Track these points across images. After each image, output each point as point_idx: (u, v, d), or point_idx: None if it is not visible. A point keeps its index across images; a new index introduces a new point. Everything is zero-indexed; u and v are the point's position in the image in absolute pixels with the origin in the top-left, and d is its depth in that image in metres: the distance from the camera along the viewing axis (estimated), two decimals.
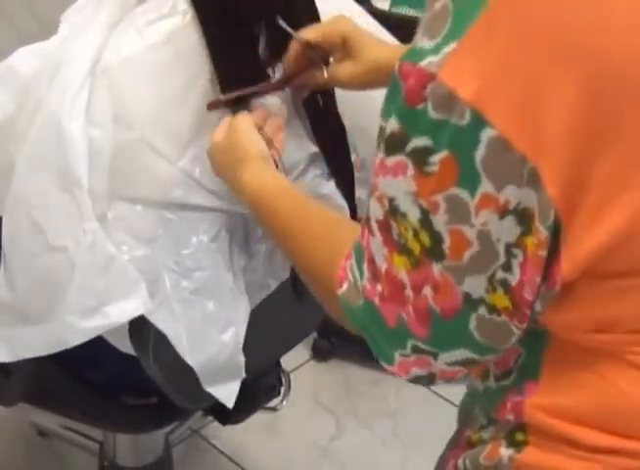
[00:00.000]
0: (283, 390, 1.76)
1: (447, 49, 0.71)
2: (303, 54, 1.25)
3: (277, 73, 1.29)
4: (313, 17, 1.30)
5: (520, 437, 0.88)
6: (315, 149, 1.36)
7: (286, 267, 1.38)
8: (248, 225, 1.32)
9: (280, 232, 1.06)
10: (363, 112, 1.39)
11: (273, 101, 1.27)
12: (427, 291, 0.80)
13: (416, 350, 0.83)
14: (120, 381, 1.64)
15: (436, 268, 0.78)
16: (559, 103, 0.70)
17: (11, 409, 1.65)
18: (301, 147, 1.35)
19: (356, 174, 1.40)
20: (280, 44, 1.27)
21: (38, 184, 1.21)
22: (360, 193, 1.40)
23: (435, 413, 2.35)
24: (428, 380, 0.86)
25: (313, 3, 1.30)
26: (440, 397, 2.35)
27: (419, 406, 2.38)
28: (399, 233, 0.80)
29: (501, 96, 0.70)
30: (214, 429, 2.26)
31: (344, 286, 0.88)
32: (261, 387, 1.69)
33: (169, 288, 1.24)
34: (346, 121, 1.37)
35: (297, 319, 1.62)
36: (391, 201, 0.79)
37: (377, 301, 0.84)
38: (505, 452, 0.89)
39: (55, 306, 1.21)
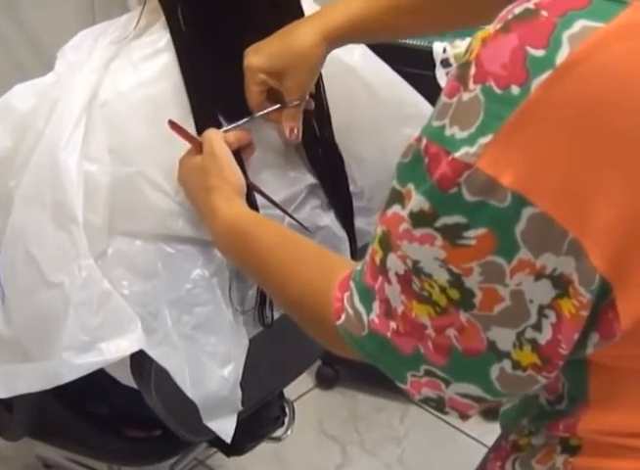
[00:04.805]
0: (287, 419, 1.75)
1: (484, 140, 0.72)
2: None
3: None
4: None
5: (574, 442, 0.88)
6: (313, 180, 1.36)
7: None
8: None
9: (264, 263, 1.05)
10: (359, 140, 1.40)
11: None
12: (450, 332, 0.80)
13: (429, 373, 0.83)
14: (123, 414, 1.64)
15: (463, 316, 0.78)
16: (604, 184, 0.70)
17: (16, 442, 1.64)
18: (300, 178, 1.35)
19: (355, 204, 1.40)
20: None
21: (34, 220, 1.21)
22: (359, 222, 1.40)
23: (441, 439, 2.34)
24: (437, 404, 0.85)
25: None
26: (446, 422, 2.35)
27: (424, 433, 2.37)
28: (422, 288, 0.79)
29: (543, 179, 0.71)
30: (220, 459, 2.25)
31: (342, 317, 0.88)
32: (265, 417, 1.68)
33: (170, 323, 1.24)
34: (343, 151, 1.37)
35: (299, 349, 1.61)
36: (415, 263, 0.79)
37: (389, 334, 0.84)
38: (559, 457, 0.89)
39: (50, 342, 1.21)
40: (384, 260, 0.83)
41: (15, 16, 2.34)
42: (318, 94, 1.31)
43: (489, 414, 2.28)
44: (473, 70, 0.73)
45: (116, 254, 1.23)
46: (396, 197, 0.81)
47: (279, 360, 1.54)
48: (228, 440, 1.34)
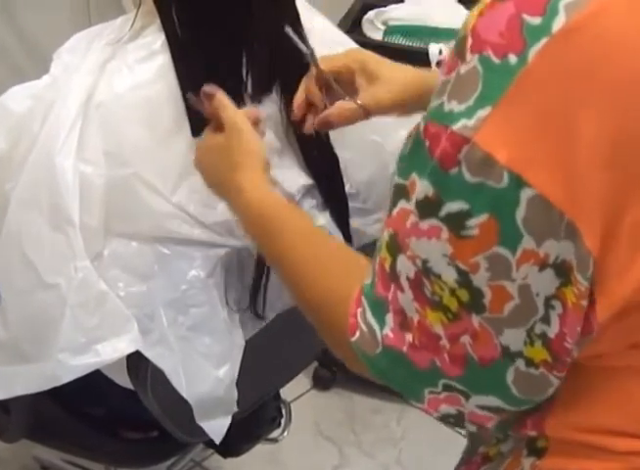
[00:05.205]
0: (284, 421, 1.76)
1: (482, 112, 0.71)
2: (319, 90, 1.21)
3: (261, 107, 1.29)
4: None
5: (541, 444, 0.87)
6: (309, 180, 1.36)
7: (281, 299, 1.38)
8: (242, 258, 1.32)
9: (286, 260, 1.00)
10: (355, 141, 1.40)
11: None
12: (465, 339, 0.78)
13: (448, 387, 0.82)
14: (120, 415, 1.64)
15: (476, 320, 0.77)
16: (597, 154, 0.69)
17: (13, 444, 1.65)
18: (296, 178, 1.35)
19: (350, 204, 1.40)
20: (265, 79, 1.28)
21: (30, 221, 1.22)
22: (355, 223, 1.41)
23: (438, 441, 2.34)
24: (456, 420, 0.84)
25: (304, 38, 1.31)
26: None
27: (422, 434, 2.38)
28: (433, 291, 0.78)
29: (537, 156, 0.70)
30: (217, 461, 2.25)
31: (357, 334, 0.85)
32: (261, 419, 1.69)
33: (166, 324, 1.24)
34: (338, 151, 1.37)
35: (296, 350, 1.61)
36: (425, 262, 0.77)
37: (405, 349, 0.82)
38: (526, 460, 0.88)
39: (47, 344, 1.22)
40: (393, 266, 0.81)
41: (11, 20, 2.35)
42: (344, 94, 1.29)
43: None
44: (469, 41, 0.72)
45: (113, 255, 1.23)
46: (401, 192, 0.80)
47: (275, 361, 1.55)
48: (218, 440, 1.35)
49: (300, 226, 1.04)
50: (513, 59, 0.69)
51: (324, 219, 1.37)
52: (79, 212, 1.20)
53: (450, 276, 0.76)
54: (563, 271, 0.73)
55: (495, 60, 0.70)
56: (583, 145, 0.69)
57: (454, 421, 0.85)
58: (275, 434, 1.76)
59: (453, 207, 0.74)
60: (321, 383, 2.54)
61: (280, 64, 1.29)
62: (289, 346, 1.54)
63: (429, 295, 0.79)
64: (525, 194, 0.71)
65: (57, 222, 1.20)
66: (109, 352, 1.21)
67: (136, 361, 1.26)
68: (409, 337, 0.81)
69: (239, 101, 1.24)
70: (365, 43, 1.45)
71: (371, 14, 2.27)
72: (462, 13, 2.25)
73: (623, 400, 0.83)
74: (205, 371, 1.28)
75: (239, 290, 1.32)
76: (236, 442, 1.43)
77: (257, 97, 1.28)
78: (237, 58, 1.23)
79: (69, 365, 1.21)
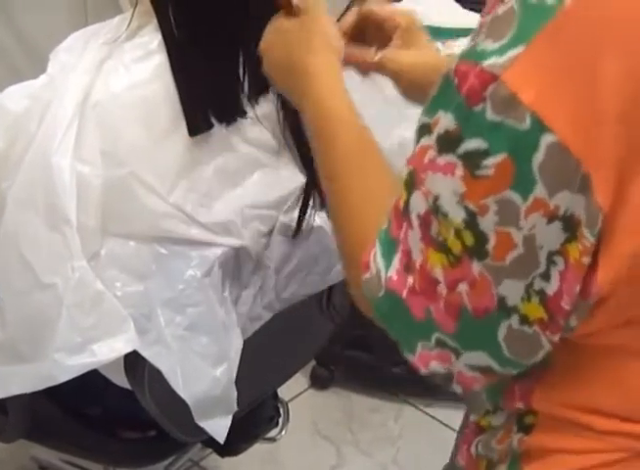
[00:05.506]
0: (281, 420, 1.76)
1: (514, 51, 0.71)
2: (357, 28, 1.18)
3: (257, 108, 1.29)
4: None
5: (529, 420, 0.88)
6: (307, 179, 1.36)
7: (279, 299, 1.39)
8: (239, 257, 1.32)
9: (337, 177, 0.97)
10: None
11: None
12: (462, 287, 0.78)
13: (440, 343, 0.82)
14: (118, 415, 1.64)
15: (476, 267, 0.77)
16: (606, 95, 0.69)
17: (11, 444, 1.65)
18: (292, 178, 1.35)
19: None
20: (262, 79, 1.27)
21: (27, 221, 1.22)
22: None
23: (436, 439, 2.34)
24: (444, 379, 0.84)
25: None
26: (440, 422, 2.35)
27: (419, 433, 2.38)
28: (438, 231, 0.78)
29: (562, 100, 0.70)
30: (214, 460, 2.25)
31: (368, 274, 0.86)
32: (259, 418, 1.69)
33: (163, 324, 1.24)
34: None
35: (293, 349, 1.62)
36: (436, 199, 0.78)
37: (405, 293, 0.82)
38: (515, 436, 0.89)
39: (43, 344, 1.22)
40: (407, 202, 0.81)
41: (9, 20, 2.35)
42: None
43: None
44: None
45: (110, 255, 1.24)
46: (424, 130, 0.80)
47: (273, 360, 1.55)
48: (221, 440, 1.35)
49: (356, 141, 0.99)
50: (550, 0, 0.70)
51: (321, 219, 1.37)
52: (76, 212, 1.20)
53: (458, 216, 0.76)
54: (570, 226, 0.73)
55: (533, 0, 0.71)
56: (604, 95, 0.69)
57: (441, 380, 0.85)
58: (273, 433, 1.77)
59: (472, 144, 0.74)
60: (319, 382, 2.54)
61: None
62: (287, 345, 1.54)
63: (434, 235, 0.79)
64: (546, 139, 0.71)
65: (54, 222, 1.20)
66: (105, 352, 1.21)
67: (133, 361, 1.26)
68: (410, 280, 0.82)
69: (235, 101, 1.24)
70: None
71: None
72: (459, 12, 2.25)
73: (615, 381, 0.84)
74: (202, 371, 1.28)
75: (237, 288, 1.32)
76: (234, 441, 1.42)
77: (254, 97, 1.28)
78: (234, 57, 1.23)
79: (66, 365, 1.21)
